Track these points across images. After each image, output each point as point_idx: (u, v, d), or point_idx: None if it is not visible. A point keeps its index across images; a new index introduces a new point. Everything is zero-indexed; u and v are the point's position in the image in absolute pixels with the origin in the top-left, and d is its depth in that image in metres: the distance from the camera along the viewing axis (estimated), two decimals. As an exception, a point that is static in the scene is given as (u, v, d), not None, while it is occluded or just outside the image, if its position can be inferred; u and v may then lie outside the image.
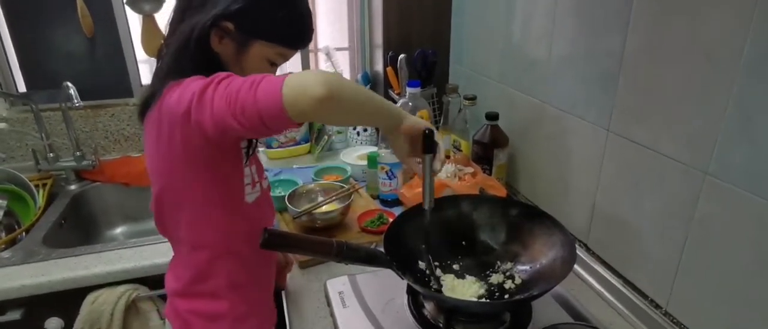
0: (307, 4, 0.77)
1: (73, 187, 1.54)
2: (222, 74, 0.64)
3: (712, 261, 0.74)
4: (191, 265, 0.80)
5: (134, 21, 1.62)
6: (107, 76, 1.63)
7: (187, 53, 0.71)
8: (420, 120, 0.76)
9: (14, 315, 1.09)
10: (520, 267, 0.92)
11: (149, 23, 1.58)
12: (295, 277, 1.03)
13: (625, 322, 0.88)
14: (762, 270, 0.66)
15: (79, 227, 1.48)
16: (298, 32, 0.76)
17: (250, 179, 0.80)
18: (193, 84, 0.65)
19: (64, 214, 1.42)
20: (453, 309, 0.84)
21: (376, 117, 0.73)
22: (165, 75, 0.71)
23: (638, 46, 0.83)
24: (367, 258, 0.82)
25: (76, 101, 1.39)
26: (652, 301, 0.87)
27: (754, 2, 0.63)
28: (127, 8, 1.55)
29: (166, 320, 0.86)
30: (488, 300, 0.87)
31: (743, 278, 0.69)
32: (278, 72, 0.77)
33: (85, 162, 1.54)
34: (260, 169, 0.85)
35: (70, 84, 1.40)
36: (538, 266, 0.90)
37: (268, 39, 0.74)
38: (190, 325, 0.82)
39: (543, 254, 0.90)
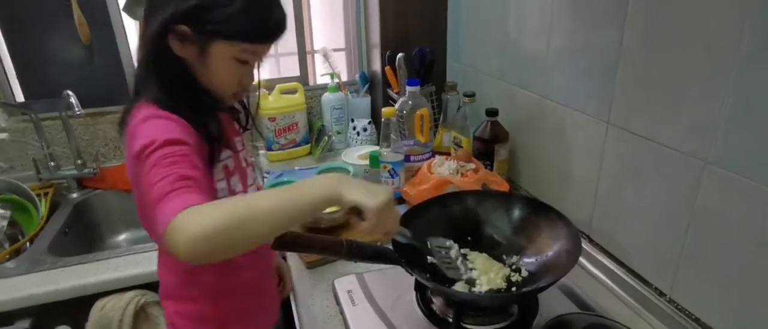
0: None
1: (75, 195, 1.54)
2: (156, 144, 0.62)
3: (715, 248, 0.76)
4: (176, 269, 0.80)
5: (131, 27, 1.62)
6: (105, 83, 1.62)
7: (150, 65, 0.69)
8: (366, 198, 0.61)
9: (23, 325, 1.10)
10: (527, 260, 0.93)
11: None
12: (302, 278, 1.04)
13: (630, 311, 0.90)
14: (764, 256, 0.68)
15: (82, 235, 1.48)
16: (260, 25, 0.69)
17: (225, 193, 0.77)
18: (139, 131, 0.65)
19: (68, 223, 1.42)
20: (461, 303, 0.86)
21: (299, 221, 0.62)
22: (135, 91, 0.70)
23: (636, 37, 0.85)
24: (377, 256, 0.83)
25: (76, 109, 1.39)
26: (656, 289, 0.88)
27: (750, -7, 0.64)
28: (124, 14, 1.55)
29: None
30: (496, 293, 0.88)
31: (746, 264, 0.71)
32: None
33: (86, 170, 1.54)
34: (245, 177, 0.83)
35: (70, 92, 1.40)
36: (544, 258, 0.91)
37: (227, 37, 0.68)
38: (176, 327, 0.83)
39: (548, 246, 0.91)
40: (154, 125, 0.65)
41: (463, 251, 0.96)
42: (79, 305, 1.12)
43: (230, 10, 0.66)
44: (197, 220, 0.55)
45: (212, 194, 0.71)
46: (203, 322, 0.82)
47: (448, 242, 0.88)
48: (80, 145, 1.57)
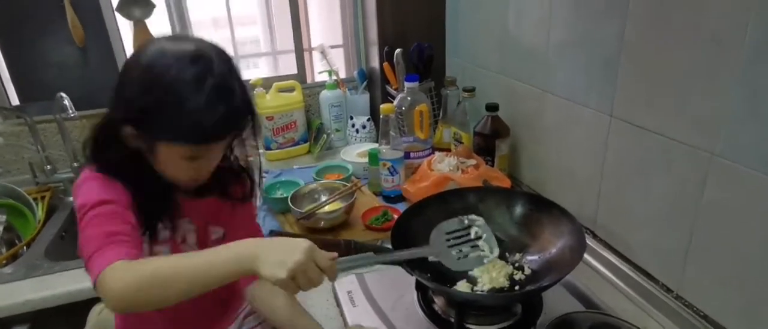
0: (210, 88, 0.67)
1: (71, 198, 1.52)
2: (89, 204, 0.67)
3: (723, 244, 0.74)
4: None
5: (125, 28, 1.60)
6: (100, 85, 1.60)
7: (101, 146, 0.73)
8: (278, 270, 0.61)
9: (20, 331, 1.09)
10: (530, 258, 0.91)
11: (141, 29, 1.56)
12: (302, 279, 1.02)
13: (636, 308, 0.88)
14: (775, 249, 0.66)
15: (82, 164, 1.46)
16: (206, 127, 0.68)
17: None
18: (78, 192, 0.71)
19: (65, 226, 1.40)
20: (464, 303, 0.84)
21: (214, 286, 0.63)
22: (88, 156, 0.74)
23: (639, 29, 0.83)
24: (376, 256, 0.81)
25: (71, 111, 1.37)
26: (663, 286, 0.86)
27: (758, -21, 0.62)
28: (118, 15, 1.54)
29: None
30: (498, 292, 0.86)
31: (754, 257, 0.69)
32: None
33: (83, 173, 1.52)
34: (176, 245, 0.84)
35: (64, 95, 1.38)
36: (547, 256, 0.89)
37: (170, 141, 0.70)
38: None
39: (552, 243, 0.89)
40: (90, 186, 0.71)
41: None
42: (77, 310, 1.10)
43: (173, 114, 0.66)
44: (119, 277, 0.61)
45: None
46: None
47: (467, 220, 0.80)
48: (76, 147, 1.55)
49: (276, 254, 0.61)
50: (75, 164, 1.51)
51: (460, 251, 0.76)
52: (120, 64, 1.59)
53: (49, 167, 1.50)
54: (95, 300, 1.11)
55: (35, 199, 1.42)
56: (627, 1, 0.84)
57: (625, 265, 0.94)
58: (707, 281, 0.78)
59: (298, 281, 0.61)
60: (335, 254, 0.67)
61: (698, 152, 0.75)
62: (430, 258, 0.92)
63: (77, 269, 1.15)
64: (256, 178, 1.08)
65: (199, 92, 0.65)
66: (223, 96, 0.68)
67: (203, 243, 0.86)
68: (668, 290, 0.85)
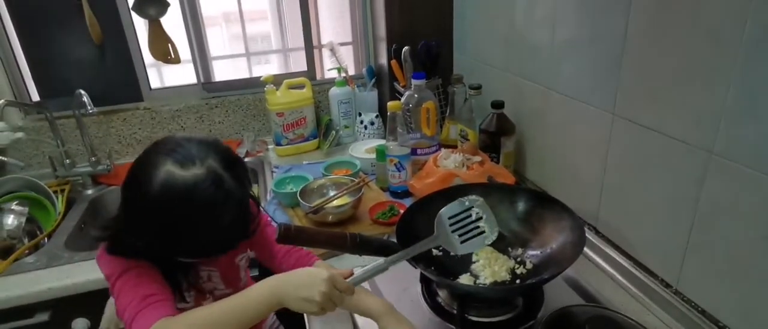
0: (223, 210, 0.72)
1: (90, 192, 1.58)
2: (115, 276, 0.74)
3: (721, 240, 0.75)
4: None
5: (140, 26, 1.65)
6: (117, 81, 1.66)
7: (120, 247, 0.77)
8: (304, 304, 0.68)
9: (42, 317, 1.14)
10: (531, 252, 0.94)
11: (155, 27, 1.60)
12: (310, 271, 1.06)
13: (635, 302, 0.90)
14: (769, 246, 0.68)
15: (96, 240, 1.51)
16: (214, 245, 0.78)
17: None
18: (100, 262, 0.78)
19: (84, 218, 1.45)
20: (466, 296, 0.86)
21: (248, 322, 0.69)
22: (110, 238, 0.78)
23: (641, 28, 0.84)
24: (381, 249, 0.84)
25: (89, 107, 1.42)
26: (662, 281, 0.88)
27: (754, -19, 0.63)
28: (134, 14, 1.58)
29: None
30: (499, 285, 0.89)
31: (751, 254, 0.71)
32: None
33: (100, 167, 1.58)
34: (202, 292, 0.89)
35: (83, 91, 1.43)
36: (548, 250, 0.91)
37: (183, 257, 0.80)
38: None
39: (553, 238, 0.91)
40: (109, 258, 0.77)
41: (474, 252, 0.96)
42: (97, 298, 1.14)
43: (194, 241, 0.74)
44: None
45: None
46: None
47: (467, 201, 0.80)
48: (94, 142, 1.61)
49: (301, 291, 0.68)
50: (93, 159, 1.56)
51: (463, 234, 0.78)
52: (136, 62, 1.64)
53: (68, 161, 1.55)
54: (113, 290, 1.16)
55: (55, 192, 1.48)
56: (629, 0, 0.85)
57: (625, 260, 0.96)
58: (705, 276, 0.80)
59: (326, 309, 0.68)
60: (350, 271, 0.73)
61: (697, 150, 0.76)
62: (434, 252, 0.95)
63: (96, 259, 1.20)
64: (267, 173, 1.12)
65: (218, 217, 0.71)
66: (239, 212, 0.75)
67: (228, 276, 0.92)
68: (667, 285, 0.87)
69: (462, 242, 0.77)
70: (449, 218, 0.78)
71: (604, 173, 0.99)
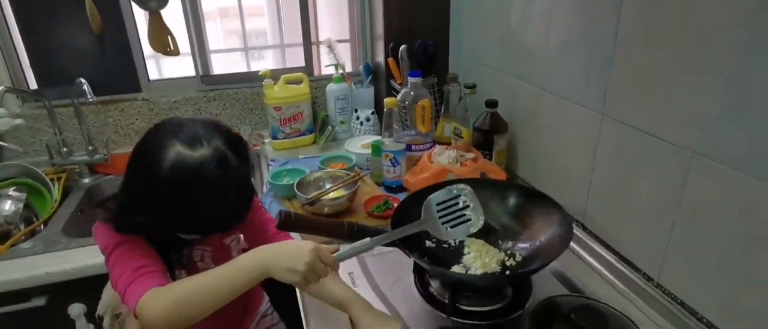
0: (228, 189, 0.74)
1: (86, 180, 1.59)
2: (111, 246, 0.78)
3: (701, 235, 0.79)
4: None
5: (140, 17, 1.66)
6: (116, 72, 1.67)
7: (121, 223, 0.79)
8: (289, 273, 0.70)
9: (39, 302, 1.15)
10: (521, 245, 0.97)
11: (156, 19, 1.62)
12: (306, 260, 1.08)
13: (618, 294, 0.94)
14: (747, 243, 0.71)
15: (95, 218, 1.52)
16: (218, 223, 0.80)
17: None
18: (97, 235, 0.81)
19: (81, 206, 1.47)
20: (457, 285, 0.89)
21: (237, 294, 0.72)
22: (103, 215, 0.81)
23: (631, 31, 0.88)
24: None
25: (89, 96, 1.43)
26: (644, 274, 0.92)
27: (737, -10, 0.67)
28: (134, 5, 1.59)
29: None
30: (490, 274, 0.92)
31: (729, 250, 0.74)
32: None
33: (97, 156, 1.59)
34: (194, 268, 0.92)
35: (83, 80, 1.44)
36: (537, 243, 0.95)
37: (185, 232, 0.83)
38: None
39: (542, 232, 0.95)
40: (106, 231, 0.79)
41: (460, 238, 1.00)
42: (93, 283, 1.16)
43: (200, 218, 0.76)
44: (155, 303, 0.69)
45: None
46: None
47: (455, 189, 0.83)
48: (91, 132, 1.62)
49: (286, 261, 0.70)
50: (90, 148, 1.58)
51: (450, 221, 0.81)
52: (135, 53, 1.65)
53: (65, 149, 1.56)
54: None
55: (52, 179, 1.49)
56: (621, 2, 0.89)
57: (610, 255, 1.00)
58: (685, 271, 0.83)
59: (309, 279, 0.70)
60: (336, 247, 0.75)
61: (681, 149, 0.80)
62: (427, 243, 0.98)
63: (93, 245, 1.20)
64: (263, 166, 1.15)
65: (224, 195, 0.74)
66: (243, 191, 0.78)
67: (219, 257, 0.93)
68: (649, 278, 0.91)
69: (448, 228, 0.80)
70: (437, 204, 0.81)
71: (592, 171, 1.03)
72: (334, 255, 0.73)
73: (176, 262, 0.87)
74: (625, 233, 0.97)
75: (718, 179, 0.74)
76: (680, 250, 0.84)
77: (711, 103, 0.74)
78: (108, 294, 1.16)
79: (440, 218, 0.81)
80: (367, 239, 0.75)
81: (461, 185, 0.83)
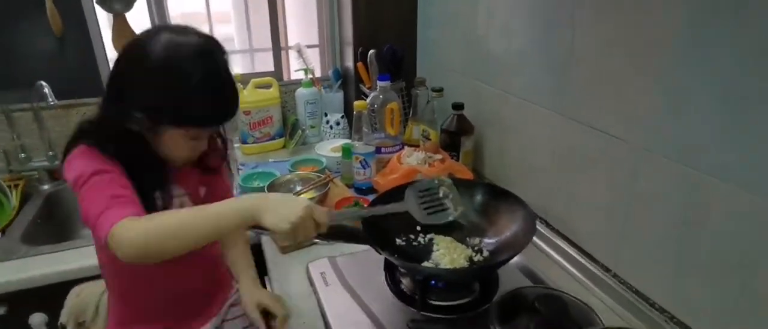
0: (220, 78, 0.77)
1: (46, 187, 1.54)
2: (86, 174, 0.72)
3: (650, 227, 0.85)
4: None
5: (103, 19, 1.63)
6: (78, 75, 1.62)
7: (107, 133, 0.76)
8: (280, 222, 0.67)
9: (-1, 311, 1.11)
10: (487, 241, 1.01)
11: (120, 22, 1.59)
12: (277, 262, 1.09)
13: (579, 285, 0.99)
14: (690, 230, 0.77)
15: (55, 226, 1.48)
16: (212, 114, 0.79)
17: None
18: (69, 166, 0.75)
19: (40, 214, 1.42)
20: (427, 280, 0.92)
21: (219, 237, 0.74)
22: (83, 135, 0.78)
23: (585, 40, 0.94)
24: (349, 236, 0.89)
25: (50, 99, 1.39)
26: (602, 266, 0.97)
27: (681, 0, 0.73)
28: (97, 7, 1.56)
29: None
30: (458, 268, 0.95)
31: (676, 239, 0.80)
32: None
33: (57, 162, 1.54)
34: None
35: (44, 83, 1.40)
36: (502, 238, 0.99)
37: (177, 124, 0.77)
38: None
39: (507, 228, 0.99)
40: (83, 160, 0.75)
41: (429, 235, 1.03)
42: (55, 292, 1.13)
43: (190, 105, 0.75)
44: (132, 227, 0.66)
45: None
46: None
47: (437, 180, 0.90)
48: (52, 137, 1.57)
49: (280, 209, 0.67)
50: (50, 153, 1.53)
51: (430, 207, 0.86)
52: (98, 56, 1.61)
53: (23, 155, 1.51)
54: (73, 283, 1.14)
55: (9, 187, 1.43)
56: (572, 12, 0.94)
57: (572, 249, 1.05)
58: (638, 261, 0.89)
59: (297, 232, 0.67)
60: (329, 209, 0.76)
61: (631, 146, 0.86)
62: (398, 241, 1.00)
63: (54, 253, 1.18)
64: (233, 170, 1.15)
65: (212, 83, 0.74)
66: (228, 85, 0.78)
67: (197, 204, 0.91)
68: (607, 269, 0.96)
69: (428, 214, 0.85)
70: (419, 191, 0.87)
71: (553, 169, 1.09)
72: (327, 218, 0.72)
73: (156, 207, 0.83)
74: (583, 227, 1.02)
75: (662, 171, 0.81)
76: (633, 241, 0.90)
77: (655, 101, 0.80)
78: (71, 302, 1.13)
79: (421, 204, 0.86)
80: (357, 208, 0.77)
81: (443, 178, 0.89)
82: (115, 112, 0.76)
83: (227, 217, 0.68)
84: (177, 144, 0.80)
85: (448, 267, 0.96)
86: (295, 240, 0.69)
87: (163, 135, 0.78)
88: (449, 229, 1.04)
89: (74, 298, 1.13)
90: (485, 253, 0.99)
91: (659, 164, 0.81)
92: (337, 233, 0.88)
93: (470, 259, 0.98)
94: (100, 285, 1.14)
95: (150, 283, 0.92)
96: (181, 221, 0.68)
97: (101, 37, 1.63)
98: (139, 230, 0.66)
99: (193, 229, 0.68)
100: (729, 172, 0.70)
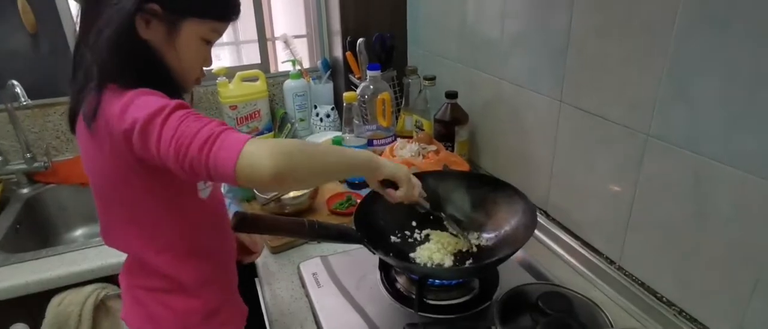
0: None
1: (25, 191, 1.48)
2: (173, 104, 0.61)
3: (656, 216, 0.81)
4: (155, 270, 0.77)
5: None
6: (54, 73, 1.55)
7: (115, 48, 0.65)
8: (398, 170, 0.79)
9: (-25, 324, 1.06)
10: (486, 235, 0.97)
11: (96, 16, 1.52)
12: (268, 262, 1.04)
13: (582, 279, 0.95)
14: (698, 221, 0.73)
15: (36, 232, 1.42)
16: (228, 1, 0.73)
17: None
18: (140, 102, 0.62)
19: (19, 219, 1.36)
20: (424, 279, 0.88)
21: (344, 175, 0.74)
22: (98, 78, 0.66)
23: (584, 21, 0.89)
24: (339, 235, 0.84)
25: (23, 99, 1.33)
26: (606, 258, 0.94)
27: (683, -26, 0.68)
28: (71, 1, 1.49)
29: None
30: (457, 266, 0.91)
31: (682, 229, 0.76)
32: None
33: (36, 164, 1.48)
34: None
35: (15, 82, 1.33)
36: (501, 233, 0.94)
37: (198, 15, 0.70)
38: (157, 320, 0.81)
39: (506, 221, 0.95)
40: (154, 96, 0.63)
41: (425, 231, 0.99)
42: (36, 302, 1.08)
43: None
44: (269, 144, 0.59)
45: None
46: (190, 314, 0.80)
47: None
48: (29, 138, 1.50)
49: (392, 163, 0.78)
50: (28, 155, 1.46)
51: None
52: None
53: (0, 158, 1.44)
54: (54, 292, 1.09)
55: (-15, 191, 1.37)
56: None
57: (573, 241, 1.01)
58: (644, 252, 0.85)
59: (411, 182, 0.80)
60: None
61: (635, 133, 0.82)
62: (392, 239, 0.96)
63: (34, 260, 1.13)
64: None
65: None
66: None
67: None
68: (611, 262, 0.92)
69: None
70: None
71: (552, 158, 1.04)
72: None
73: None
74: (586, 218, 0.98)
75: (669, 159, 0.76)
76: (638, 231, 0.86)
77: (659, 86, 0.76)
78: (52, 311, 1.08)
79: None
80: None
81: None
82: (123, 9, 0.64)
83: (356, 157, 0.73)
84: (195, 48, 0.72)
85: (435, 261, 0.91)
86: (414, 193, 0.81)
87: (180, 36, 0.69)
88: (445, 225, 1.00)
89: (55, 308, 1.08)
90: (483, 243, 0.95)
91: (664, 150, 0.77)
92: (326, 233, 0.83)
93: (459, 252, 0.93)
94: (82, 294, 1.09)
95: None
96: (315, 150, 0.68)
97: (76, 33, 1.55)
98: (276, 150, 0.58)
99: (324, 159, 0.68)
100: (738, 158, 0.66)
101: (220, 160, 0.57)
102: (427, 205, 0.87)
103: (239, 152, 0.57)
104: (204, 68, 0.79)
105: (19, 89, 1.33)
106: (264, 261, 1.05)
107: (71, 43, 1.55)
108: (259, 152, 0.57)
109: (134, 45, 0.67)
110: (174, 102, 0.62)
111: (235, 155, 0.56)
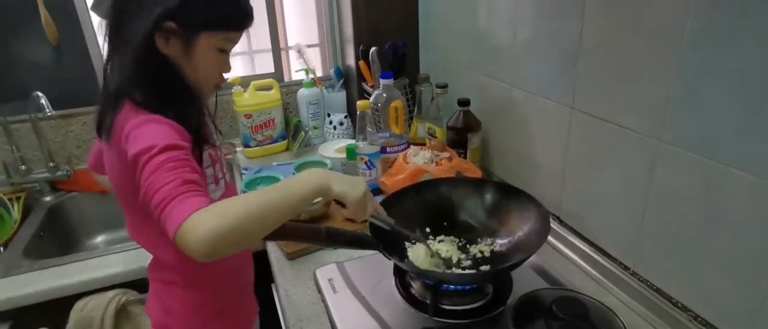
0: None
1: (48, 198, 1.52)
2: (159, 146, 0.64)
3: (670, 221, 0.81)
4: (170, 265, 0.83)
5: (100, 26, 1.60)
6: (75, 84, 1.60)
7: (137, 63, 0.71)
8: (349, 190, 0.73)
9: (2, 328, 1.09)
10: (500, 241, 0.97)
11: (116, 29, 1.56)
12: (284, 269, 1.06)
13: (596, 285, 0.95)
14: (712, 225, 0.74)
15: (58, 239, 1.46)
16: (238, 12, 0.77)
17: (213, 178, 0.83)
18: (139, 132, 0.67)
19: (42, 226, 1.40)
20: (439, 284, 0.89)
21: (301, 207, 0.69)
22: (117, 90, 0.72)
23: (594, 28, 0.90)
24: (355, 241, 0.86)
25: (47, 110, 1.37)
26: (620, 264, 0.94)
27: (694, -18, 0.69)
28: (93, 14, 1.54)
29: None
30: (470, 272, 0.92)
31: (697, 234, 0.77)
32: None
33: (59, 173, 1.52)
34: (222, 165, 0.89)
35: (40, 94, 1.38)
36: (515, 239, 0.95)
37: (212, 28, 0.74)
38: (172, 312, 0.85)
39: (519, 227, 0.95)
40: (153, 129, 0.68)
41: (439, 237, 1.00)
42: (59, 306, 1.11)
43: (211, 2, 0.73)
44: (207, 221, 0.58)
45: (204, 183, 0.74)
46: (202, 306, 0.85)
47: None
48: (52, 147, 1.55)
49: (345, 180, 0.74)
50: (51, 164, 1.51)
51: None
52: (96, 63, 1.59)
53: (23, 167, 1.49)
54: (77, 297, 1.12)
55: (10, 200, 1.42)
56: (583, 4, 0.90)
57: (587, 246, 1.01)
58: (658, 257, 0.85)
59: (365, 202, 0.75)
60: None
61: (647, 139, 0.82)
62: (407, 244, 0.97)
63: (58, 266, 1.16)
64: (236, 175, 1.12)
65: None
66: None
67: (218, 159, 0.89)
68: (625, 267, 0.93)
69: None
70: None
71: (564, 164, 1.05)
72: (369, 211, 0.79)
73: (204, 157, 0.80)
74: (599, 224, 0.99)
75: (681, 164, 0.77)
76: (652, 237, 0.86)
77: (670, 92, 0.76)
78: (75, 316, 1.11)
79: None
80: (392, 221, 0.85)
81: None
82: (148, 24, 0.69)
83: (302, 191, 0.67)
84: (212, 59, 0.77)
85: (424, 268, 0.92)
86: (363, 214, 0.75)
87: (196, 50, 0.74)
88: (459, 231, 1.01)
89: (78, 313, 1.11)
90: (497, 249, 0.96)
91: (677, 156, 0.77)
92: (342, 239, 0.85)
93: (482, 258, 0.94)
94: (104, 299, 1.12)
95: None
96: (254, 207, 0.62)
97: (98, 45, 1.60)
98: (215, 218, 0.58)
99: (269, 212, 0.64)
100: (750, 162, 0.66)
101: (168, 224, 0.60)
102: (392, 221, 0.84)
103: (179, 225, 0.58)
104: (224, 74, 0.83)
105: (43, 101, 1.37)
106: (280, 267, 1.07)
107: (93, 54, 1.60)
108: (195, 232, 0.57)
109: (156, 61, 0.72)
110: (163, 143, 0.65)
111: (176, 227, 0.58)
